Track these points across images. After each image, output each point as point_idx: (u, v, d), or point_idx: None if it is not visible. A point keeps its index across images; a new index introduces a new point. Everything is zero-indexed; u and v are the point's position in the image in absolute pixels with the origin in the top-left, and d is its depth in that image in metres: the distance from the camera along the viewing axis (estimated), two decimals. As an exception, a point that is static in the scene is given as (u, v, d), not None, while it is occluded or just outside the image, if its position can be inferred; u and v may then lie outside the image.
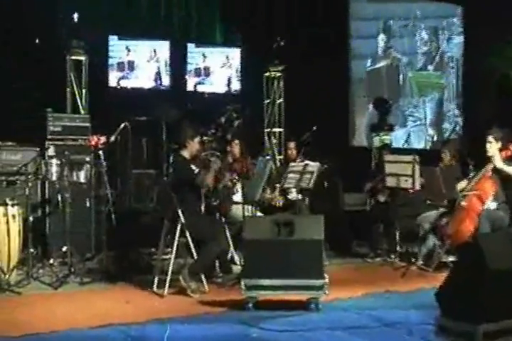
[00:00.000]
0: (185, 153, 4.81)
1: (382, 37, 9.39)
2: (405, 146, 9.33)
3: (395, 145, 8.40)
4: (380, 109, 8.31)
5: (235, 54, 8.22)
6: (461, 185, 5.30)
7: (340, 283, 4.67)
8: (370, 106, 8.83)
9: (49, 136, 6.01)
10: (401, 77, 9.57)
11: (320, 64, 8.05)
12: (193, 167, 4.71)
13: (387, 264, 5.82)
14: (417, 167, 5.42)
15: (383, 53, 9.43)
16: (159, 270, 4.75)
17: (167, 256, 5.10)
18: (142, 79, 7.66)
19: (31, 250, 5.02)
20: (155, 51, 7.71)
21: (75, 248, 5.28)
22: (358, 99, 9.26)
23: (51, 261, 5.46)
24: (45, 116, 6.08)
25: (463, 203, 5.20)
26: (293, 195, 6.12)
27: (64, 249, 5.29)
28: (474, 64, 9.21)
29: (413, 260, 5.53)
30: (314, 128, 6.13)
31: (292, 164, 5.69)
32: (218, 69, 8.16)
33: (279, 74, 8.40)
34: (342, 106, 8.95)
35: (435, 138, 9.74)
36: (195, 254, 4.57)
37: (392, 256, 5.96)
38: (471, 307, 3.31)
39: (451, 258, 5.30)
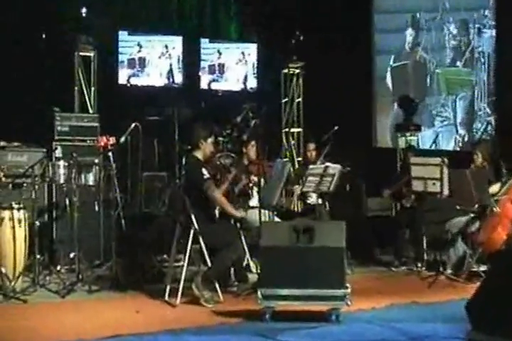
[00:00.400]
0: (199, 155, 4.83)
1: (410, 31, 9.33)
2: (433, 148, 9.26)
3: (421, 146, 8.36)
4: (405, 107, 8.26)
5: (251, 50, 8.25)
6: (494, 189, 5.25)
7: (362, 293, 4.65)
8: (395, 104, 8.78)
9: (56, 137, 6.08)
10: (428, 73, 9.51)
11: (341, 60, 8.04)
12: (204, 171, 4.69)
13: (413, 273, 5.80)
14: (445, 170, 5.39)
15: (410, 49, 9.39)
16: (171, 278, 4.77)
17: (179, 264, 5.11)
18: (154, 76, 7.72)
19: (37, 256, 5.07)
20: (167, 47, 7.77)
21: (83, 254, 5.32)
22: (382, 97, 9.22)
23: (58, 267, 5.51)
24: (52, 115, 6.15)
25: (495, 209, 5.15)
26: (312, 199, 6.11)
27: (71, 255, 5.34)
28: (507, 59, 9.12)
29: (441, 269, 5.49)
30: (335, 128, 6.13)
31: (312, 166, 5.69)
32: (233, 65, 8.19)
33: (297, 71, 8.41)
34: (365, 105, 8.92)
35: (465, 139, 9.66)
36: (208, 261, 4.59)
37: (419, 265, 5.93)
38: (504, 321, 3.28)
39: (482, 268, 5.26)
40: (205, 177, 4.65)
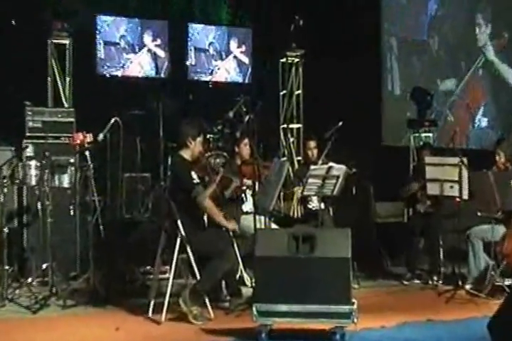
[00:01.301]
0: (186, 154, 4.84)
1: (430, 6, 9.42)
2: (450, 146, 9.28)
3: (437, 144, 8.38)
4: (419, 101, 8.29)
5: (244, 36, 8.27)
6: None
7: (370, 309, 4.65)
8: (408, 97, 8.81)
9: (27, 134, 6.08)
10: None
11: (346, 47, 8.07)
12: (194, 174, 4.72)
13: (428, 288, 5.81)
14: (464, 171, 5.39)
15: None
16: (156, 292, 4.77)
17: (165, 276, 5.13)
18: (136, 66, 7.74)
19: (6, 267, 5.08)
20: (151, 33, 7.79)
21: (57, 265, 5.34)
22: (392, 88, 9.25)
23: (29, 279, 5.52)
24: (22, 110, 6.15)
25: (521, 215, 5.15)
26: (314, 203, 6.13)
27: (44, 265, 5.35)
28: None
29: (460, 283, 5.49)
30: (340, 123, 6.13)
31: (313, 167, 5.70)
32: (225, 54, 8.21)
33: (297, 60, 8.44)
34: (373, 98, 8.95)
35: (488, 137, 9.70)
36: (197, 273, 4.60)
37: (435, 278, 5.94)
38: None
39: (507, 282, 5.26)
40: (194, 181, 4.67)
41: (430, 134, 8.38)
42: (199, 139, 4.86)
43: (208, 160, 5.12)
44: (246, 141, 5.68)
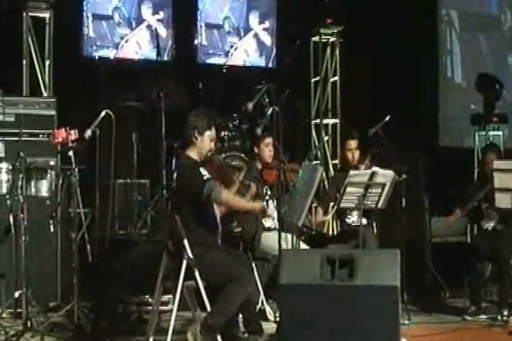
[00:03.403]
0: (193, 154, 4.85)
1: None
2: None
3: (508, 145, 8.34)
4: (486, 91, 8.26)
5: (268, 9, 8.30)
6: None
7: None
8: (472, 86, 8.78)
9: (-3, 130, 6.15)
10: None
11: (395, 23, 8.07)
12: (203, 171, 4.70)
13: (497, 325, 5.76)
14: (542, 178, 5.39)
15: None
16: (155, 327, 4.79)
17: (166, 307, 5.14)
18: (132, 46, 7.79)
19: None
20: (151, 5, 7.84)
21: (34, 293, 5.35)
22: (453, 75, 9.24)
23: (-1, 311, 5.56)
24: (-9, 99, 6.23)
25: None
26: (354, 218, 6.13)
27: (17, 293, 5.38)
28: None
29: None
30: (386, 118, 6.14)
31: (353, 172, 5.70)
32: (243, 31, 8.24)
33: (333, 39, 8.46)
34: (428, 87, 8.95)
35: None
36: (208, 304, 4.61)
37: (505, 313, 5.90)
38: None
39: None
40: (204, 177, 4.66)
41: (500, 132, 8.36)
42: (208, 133, 4.81)
43: (226, 161, 5.12)
44: (268, 140, 5.69)
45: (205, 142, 4.82)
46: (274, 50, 8.31)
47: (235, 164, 5.25)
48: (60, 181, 5.78)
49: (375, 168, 5.76)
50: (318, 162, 8.10)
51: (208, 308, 4.61)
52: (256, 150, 5.85)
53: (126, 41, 7.78)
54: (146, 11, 7.84)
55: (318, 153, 8.39)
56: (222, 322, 4.60)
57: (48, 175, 5.64)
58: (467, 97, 9.03)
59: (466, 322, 5.92)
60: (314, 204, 6.68)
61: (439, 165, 7.74)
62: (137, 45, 7.82)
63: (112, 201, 6.39)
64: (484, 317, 5.99)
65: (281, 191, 5.12)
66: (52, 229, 5.76)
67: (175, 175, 4.80)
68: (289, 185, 5.39)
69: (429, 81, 8.98)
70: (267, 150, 5.76)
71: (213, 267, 4.62)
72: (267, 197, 5.77)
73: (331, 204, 6.00)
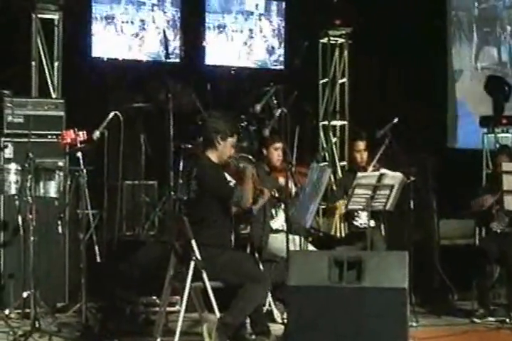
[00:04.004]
0: (213, 156, 4.87)
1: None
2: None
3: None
4: (495, 93, 8.25)
5: (276, 10, 8.30)
6: None
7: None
8: (480, 87, 8.76)
9: (6, 131, 6.16)
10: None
11: (404, 25, 8.06)
12: (228, 177, 4.75)
13: (505, 327, 5.76)
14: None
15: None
16: (162, 328, 4.79)
17: (174, 308, 5.15)
18: (140, 47, 7.80)
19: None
20: (158, 5, 7.85)
21: (42, 293, 5.37)
22: (461, 76, 9.22)
23: (7, 311, 5.56)
24: (0, 101, 6.24)
25: None
26: (362, 220, 6.12)
27: (25, 294, 5.39)
28: None
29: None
30: (395, 120, 6.14)
31: (361, 174, 5.70)
32: (251, 32, 8.25)
33: (341, 40, 8.46)
34: (436, 89, 8.93)
35: None
36: (215, 306, 4.62)
37: (514, 316, 5.91)
38: None
39: None
40: (231, 183, 4.73)
41: (509, 135, 8.33)
42: (230, 140, 4.85)
43: (239, 162, 5.10)
44: (278, 145, 5.69)
45: (227, 148, 4.86)
46: (283, 52, 8.31)
47: (243, 166, 5.24)
48: (69, 182, 5.79)
49: (383, 170, 5.76)
50: (326, 163, 8.10)
51: (216, 309, 4.62)
52: (265, 152, 5.85)
53: (134, 42, 7.79)
54: (155, 12, 7.86)
55: (326, 155, 8.39)
56: (240, 321, 4.63)
57: (57, 176, 5.62)
58: (477, 99, 9.00)
59: (474, 325, 5.91)
60: (322, 206, 6.70)
61: (447, 167, 7.72)
62: (145, 47, 7.83)
63: (119, 202, 6.41)
64: (492, 319, 5.98)
65: (289, 193, 5.13)
66: (60, 230, 5.75)
67: (194, 174, 4.79)
68: (297, 186, 5.40)
69: (437, 83, 8.96)
70: (276, 154, 5.77)
71: (231, 267, 4.64)
72: (275, 199, 5.78)
73: (340, 202, 5.99)
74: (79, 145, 5.52)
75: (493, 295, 6.20)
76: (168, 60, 7.72)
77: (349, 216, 6.22)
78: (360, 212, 6.03)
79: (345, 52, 8.46)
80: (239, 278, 4.60)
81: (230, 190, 4.73)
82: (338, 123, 8.49)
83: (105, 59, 7.63)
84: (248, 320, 4.95)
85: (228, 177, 4.77)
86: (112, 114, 5.68)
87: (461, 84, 9.25)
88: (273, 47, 8.32)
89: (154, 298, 5.72)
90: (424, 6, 8.50)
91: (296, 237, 5.28)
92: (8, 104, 6.18)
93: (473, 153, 8.45)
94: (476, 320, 6.01)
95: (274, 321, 5.33)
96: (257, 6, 8.29)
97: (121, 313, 5.63)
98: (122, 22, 7.74)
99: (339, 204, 5.85)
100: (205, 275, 4.61)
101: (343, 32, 8.37)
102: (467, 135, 9.04)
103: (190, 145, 6.12)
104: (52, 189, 5.62)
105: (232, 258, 4.70)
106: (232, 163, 4.93)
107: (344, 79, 8.49)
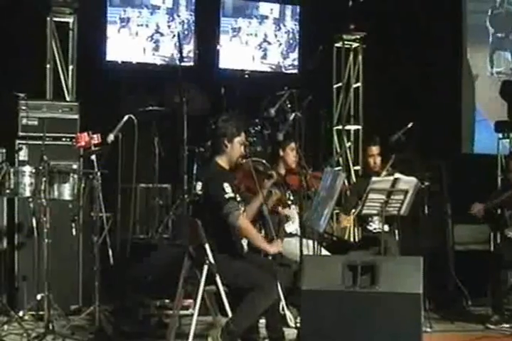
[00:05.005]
0: (222, 161, 4.86)
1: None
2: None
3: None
4: (510, 97, 8.22)
5: (291, 14, 8.32)
6: None
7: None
8: (495, 93, 8.75)
9: (20, 133, 6.19)
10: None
11: (418, 28, 8.05)
12: (227, 187, 4.64)
13: (520, 334, 5.76)
14: None
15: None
16: (175, 331, 4.80)
17: (187, 312, 5.16)
18: (155, 51, 7.83)
19: (-7, 297, 5.17)
20: (171, 10, 7.88)
21: (55, 296, 5.38)
22: (476, 81, 9.19)
23: (21, 313, 5.59)
24: (15, 103, 6.27)
25: None
26: (375, 225, 6.13)
27: (39, 296, 5.42)
28: None
29: None
30: (409, 125, 6.13)
31: (375, 179, 5.70)
32: (266, 36, 8.27)
33: (356, 44, 8.46)
34: (451, 94, 8.91)
35: None
36: (228, 310, 4.62)
37: (529, 322, 5.89)
38: None
39: None
40: (226, 196, 4.62)
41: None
42: (237, 139, 4.80)
43: (255, 165, 5.09)
44: (292, 144, 5.70)
45: (235, 148, 4.81)
46: (297, 56, 8.32)
47: (263, 170, 5.24)
48: (83, 185, 5.81)
49: (397, 175, 5.75)
50: (340, 168, 8.10)
51: (229, 313, 4.62)
52: (281, 153, 5.85)
53: (148, 46, 7.82)
54: (169, 16, 7.89)
55: (340, 159, 8.39)
56: (244, 329, 4.61)
57: (71, 178, 5.65)
58: (491, 104, 8.98)
59: (488, 331, 5.88)
60: (336, 211, 6.71)
61: (462, 172, 7.70)
62: (160, 50, 7.86)
63: (133, 205, 6.44)
64: (507, 326, 5.95)
65: (304, 197, 5.13)
66: (74, 233, 5.77)
67: (204, 181, 4.80)
68: (311, 191, 5.40)
69: (452, 87, 8.94)
70: (292, 155, 5.77)
71: (237, 273, 4.62)
72: (290, 202, 5.79)
73: (353, 210, 6.00)
74: (93, 148, 5.55)
75: (507, 302, 6.17)
76: (183, 64, 7.78)
77: (363, 221, 6.22)
78: (374, 216, 6.02)
79: (360, 57, 8.45)
80: (245, 285, 4.55)
81: (222, 202, 4.63)
82: (352, 127, 8.49)
83: (119, 62, 7.66)
84: (262, 324, 4.96)
85: (227, 189, 4.70)
86: (126, 117, 5.71)
87: (476, 89, 9.22)
88: (287, 52, 8.33)
89: (167, 301, 5.74)
90: (440, 10, 8.49)
91: (310, 242, 5.28)
92: (23, 107, 6.22)
93: (488, 159, 8.43)
94: (490, 326, 5.99)
95: (287, 325, 5.32)
96: (271, 10, 8.31)
97: (134, 316, 5.65)
98: (137, 25, 7.77)
99: (344, 219, 5.90)
100: (218, 279, 4.62)
101: (358, 36, 8.37)
102: (482, 140, 9.00)
103: (203, 149, 6.15)
104: (66, 191, 5.64)
105: (239, 265, 4.67)
106: (246, 165, 4.92)
107: (358, 84, 8.48)
